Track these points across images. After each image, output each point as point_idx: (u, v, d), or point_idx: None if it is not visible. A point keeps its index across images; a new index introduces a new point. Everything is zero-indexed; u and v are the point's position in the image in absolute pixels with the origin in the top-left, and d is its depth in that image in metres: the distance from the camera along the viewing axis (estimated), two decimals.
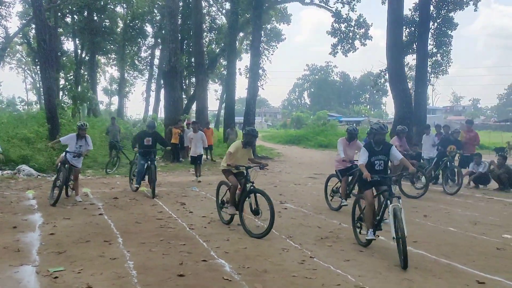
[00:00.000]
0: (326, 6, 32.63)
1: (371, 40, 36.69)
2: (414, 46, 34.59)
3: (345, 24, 35.39)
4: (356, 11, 33.88)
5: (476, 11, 33.63)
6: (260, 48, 25.18)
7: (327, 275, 5.33)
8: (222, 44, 37.95)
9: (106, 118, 33.30)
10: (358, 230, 6.79)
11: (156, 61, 46.83)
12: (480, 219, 8.73)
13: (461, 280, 5.21)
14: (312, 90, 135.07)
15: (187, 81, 40.28)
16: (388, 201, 6.00)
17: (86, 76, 42.41)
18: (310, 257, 6.08)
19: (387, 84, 35.45)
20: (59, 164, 9.83)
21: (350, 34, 35.91)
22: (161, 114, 40.18)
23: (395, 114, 16.26)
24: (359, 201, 6.84)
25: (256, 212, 7.31)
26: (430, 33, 32.13)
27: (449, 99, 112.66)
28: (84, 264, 5.57)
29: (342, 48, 36.26)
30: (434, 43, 32.71)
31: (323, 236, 7.29)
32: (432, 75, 32.48)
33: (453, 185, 11.99)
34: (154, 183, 10.61)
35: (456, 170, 12.05)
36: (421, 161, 14.01)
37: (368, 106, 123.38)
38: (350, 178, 9.46)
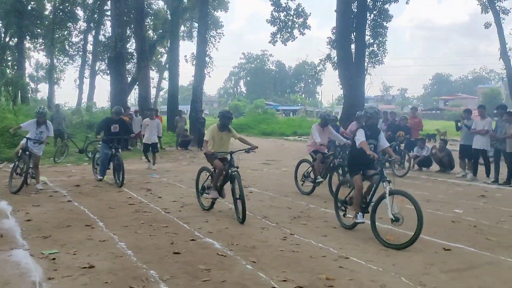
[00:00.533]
0: None
1: (310, 29, 37.43)
2: (352, 36, 35.93)
3: (284, 13, 35.97)
4: (294, 0, 34.41)
5: (408, 3, 35.14)
6: (206, 35, 25.05)
7: (311, 249, 5.76)
8: (160, 31, 37.38)
9: (35, 106, 31.98)
10: (342, 213, 6.95)
11: (89, 47, 45.45)
12: (431, 198, 9.53)
13: (430, 249, 5.82)
14: (248, 78, 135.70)
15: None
16: (384, 184, 6.09)
17: (11, 61, 40.25)
18: (290, 234, 6.48)
19: (323, 73, 36.71)
20: (20, 151, 9.58)
21: (289, 23, 36.45)
22: (100, 102, 39.06)
23: (344, 102, 16.97)
24: (343, 185, 7.23)
25: (240, 197, 7.17)
26: (367, 24, 33.50)
27: (379, 88, 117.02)
28: (76, 246, 5.65)
29: (281, 37, 36.80)
30: (371, 34, 34.10)
31: (295, 215, 7.72)
32: (369, 65, 33.77)
33: (400, 168, 12.87)
34: (123, 172, 10.40)
35: (403, 154, 12.95)
36: None
37: (303, 95, 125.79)
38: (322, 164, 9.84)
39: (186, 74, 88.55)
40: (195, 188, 8.38)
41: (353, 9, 35.43)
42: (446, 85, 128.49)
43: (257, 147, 8.25)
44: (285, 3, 33.40)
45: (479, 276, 4.88)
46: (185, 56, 61.92)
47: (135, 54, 27.65)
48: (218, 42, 39.35)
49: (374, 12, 33.55)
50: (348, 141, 9.45)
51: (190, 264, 5.06)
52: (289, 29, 36.73)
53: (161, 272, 4.77)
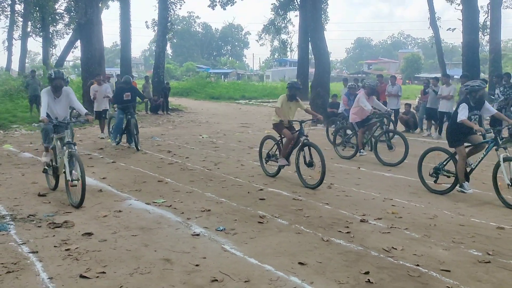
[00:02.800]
0: None
1: None
2: (296, 2, 37.30)
3: None
4: None
5: None
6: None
7: (360, 194, 7.27)
8: None
9: None
10: (432, 180, 7.49)
11: (18, 7, 43.17)
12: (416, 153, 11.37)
13: (453, 193, 7.55)
14: (175, 41, 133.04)
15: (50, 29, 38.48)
16: (498, 151, 6.68)
17: None
18: (331, 183, 7.95)
19: (248, 36, 37.61)
20: None
21: None
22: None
23: (316, 68, 18.22)
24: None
25: (310, 164, 7.65)
26: None
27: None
28: (173, 196, 6.77)
29: (221, 1, 37.41)
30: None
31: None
32: None
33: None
34: (137, 136, 11.24)
35: None
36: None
37: (230, 58, 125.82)
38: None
39: (108, 36, 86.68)
40: (259, 155, 8.91)
41: None
42: (367, 49, 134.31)
43: (322, 117, 9.05)
44: None
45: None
46: (146, 22, 61.00)
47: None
48: (180, 9, 38.97)
49: None
50: (389, 109, 10.72)
51: (281, 206, 6.40)
52: None
53: (268, 212, 6.07)
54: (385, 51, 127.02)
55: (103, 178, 7.93)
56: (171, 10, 26.59)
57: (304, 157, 7.75)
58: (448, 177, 7.34)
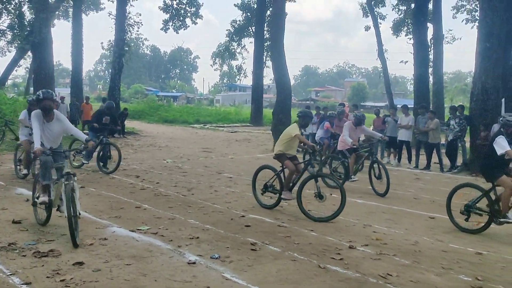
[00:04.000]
0: None
1: (202, 19, 38.60)
2: (251, 30, 37.95)
3: (177, 1, 36.64)
4: None
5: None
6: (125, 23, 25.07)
7: (341, 219, 7.42)
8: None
9: None
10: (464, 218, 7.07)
11: None
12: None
13: (419, 218, 7.85)
14: (128, 64, 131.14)
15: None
16: None
17: None
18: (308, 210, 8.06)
19: (198, 60, 38.11)
20: None
21: (182, 11, 37.18)
22: None
23: (278, 93, 18.42)
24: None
25: (320, 196, 7.43)
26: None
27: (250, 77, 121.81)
28: (157, 223, 6.64)
29: (174, 24, 37.49)
30: (268, 28, 36.35)
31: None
32: (267, 58, 36.12)
33: None
34: (119, 159, 11.06)
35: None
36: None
37: (179, 81, 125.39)
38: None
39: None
40: (252, 186, 8.36)
41: (252, 5, 37.56)
42: (314, 77, 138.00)
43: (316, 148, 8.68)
44: None
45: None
46: (101, 43, 60.20)
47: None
48: (137, 31, 38.70)
49: (271, 8, 35.83)
50: (383, 135, 10.81)
51: (268, 233, 6.42)
52: (181, 17, 37.56)
53: (257, 239, 6.07)
54: (331, 79, 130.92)
55: None
56: (129, 32, 26.25)
57: (318, 190, 7.51)
58: (480, 215, 6.92)
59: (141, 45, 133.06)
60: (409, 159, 14.28)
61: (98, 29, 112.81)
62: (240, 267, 5.03)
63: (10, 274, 4.53)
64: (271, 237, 6.22)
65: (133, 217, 6.98)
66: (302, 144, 8.60)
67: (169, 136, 23.17)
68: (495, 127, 12.33)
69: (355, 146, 10.19)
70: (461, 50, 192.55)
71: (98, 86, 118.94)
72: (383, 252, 5.75)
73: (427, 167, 13.59)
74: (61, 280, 4.41)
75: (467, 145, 13.88)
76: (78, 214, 5.49)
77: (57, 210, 6.02)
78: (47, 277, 4.50)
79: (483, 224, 6.86)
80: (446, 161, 13.69)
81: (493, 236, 6.82)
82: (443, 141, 13.96)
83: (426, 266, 5.32)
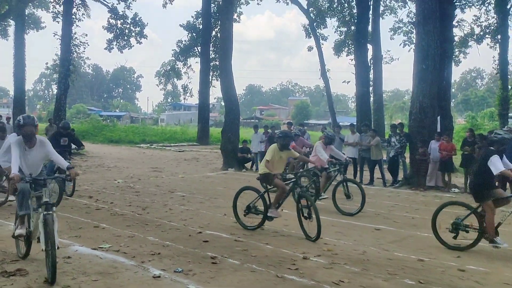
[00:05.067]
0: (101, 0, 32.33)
1: (146, 38, 38.52)
2: (197, 50, 38.31)
3: (121, 21, 36.49)
4: (132, 9, 35.42)
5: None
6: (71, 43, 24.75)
7: (297, 234, 7.83)
8: None
9: None
10: (453, 236, 7.15)
11: None
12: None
13: (366, 230, 8.39)
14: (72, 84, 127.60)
15: None
16: None
17: None
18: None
19: (141, 79, 38.24)
20: None
21: (126, 31, 37.02)
22: None
23: (226, 113, 18.87)
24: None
25: (309, 216, 7.39)
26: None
27: (196, 97, 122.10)
28: (117, 241, 6.79)
29: (118, 44, 37.20)
30: (213, 49, 36.87)
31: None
32: (214, 78, 36.54)
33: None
34: (74, 181, 10.77)
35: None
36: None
37: (122, 101, 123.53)
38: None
39: None
40: (233, 207, 8.24)
41: (197, 25, 37.97)
42: (258, 95, 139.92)
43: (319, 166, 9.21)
44: (122, 11, 33.66)
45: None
46: (47, 63, 58.00)
47: None
48: (84, 51, 37.88)
49: (216, 29, 36.42)
50: (348, 158, 11.32)
51: (226, 247, 6.72)
52: (125, 37, 37.37)
53: (216, 253, 6.35)
54: (274, 98, 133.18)
55: None
56: (74, 52, 25.92)
57: (302, 210, 7.51)
58: (467, 232, 7.02)
59: (82, 64, 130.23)
60: (355, 175, 14.98)
61: (37, 48, 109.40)
62: (203, 279, 5.29)
63: None
64: (229, 251, 6.52)
65: (93, 236, 7.07)
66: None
67: (117, 157, 22.96)
68: (432, 144, 13.28)
69: (326, 166, 10.28)
70: (398, 69, 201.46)
71: (37, 106, 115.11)
72: (335, 262, 6.18)
73: (371, 182, 14.33)
74: None
75: (407, 160, 14.77)
76: (56, 247, 4.98)
77: (38, 242, 5.34)
78: None
79: (471, 242, 6.95)
80: (388, 176, 14.50)
81: (432, 244, 7.41)
82: (384, 157, 14.79)
83: (374, 272, 5.78)
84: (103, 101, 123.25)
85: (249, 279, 5.36)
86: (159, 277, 5.30)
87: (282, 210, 8.33)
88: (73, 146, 11.79)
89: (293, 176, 8.04)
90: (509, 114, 30.84)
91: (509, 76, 30.14)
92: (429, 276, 5.70)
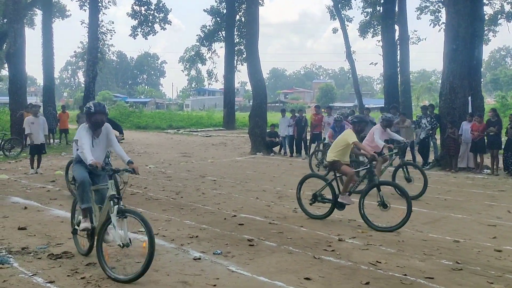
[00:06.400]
0: None
1: (171, 24, 38.66)
2: (221, 34, 38.31)
3: (145, 7, 36.65)
4: None
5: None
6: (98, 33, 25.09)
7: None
8: None
9: None
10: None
11: None
12: None
13: (398, 212, 8.40)
14: (100, 72, 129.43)
15: None
16: None
17: None
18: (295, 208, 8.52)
19: (165, 65, 38.20)
20: None
21: (150, 17, 37.19)
22: None
23: (254, 99, 19.01)
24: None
25: (384, 205, 7.12)
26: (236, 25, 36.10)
27: (221, 81, 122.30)
28: (157, 224, 6.99)
29: (142, 30, 37.44)
30: (238, 33, 36.84)
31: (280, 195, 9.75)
32: (238, 63, 36.58)
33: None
34: None
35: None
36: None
37: (147, 87, 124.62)
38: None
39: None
40: (297, 196, 7.98)
41: (221, 10, 37.90)
42: (282, 79, 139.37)
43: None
44: None
45: None
46: (75, 51, 59.28)
47: None
48: (111, 39, 38.35)
49: (240, 13, 36.34)
50: (407, 141, 10.55)
51: (262, 230, 6.85)
52: (150, 23, 37.56)
53: (253, 236, 6.49)
54: (299, 81, 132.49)
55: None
56: (101, 40, 26.26)
57: (382, 198, 7.19)
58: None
59: (107, 51, 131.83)
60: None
61: (62, 36, 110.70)
62: (242, 260, 5.43)
63: (32, 275, 4.81)
64: (265, 234, 6.64)
65: (131, 221, 7.26)
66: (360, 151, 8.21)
67: (145, 142, 23.32)
68: (464, 125, 13.11)
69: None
70: (424, 49, 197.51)
71: (64, 93, 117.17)
72: (370, 243, 6.26)
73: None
74: (81, 278, 4.75)
75: (438, 142, 14.62)
76: (127, 244, 4.83)
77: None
78: (68, 275, 4.82)
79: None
80: (419, 158, 14.40)
81: (466, 226, 7.40)
82: (414, 139, 14.67)
83: (410, 253, 5.84)
84: (128, 87, 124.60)
85: (287, 260, 5.47)
86: (199, 259, 5.46)
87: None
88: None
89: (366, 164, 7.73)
90: None
91: None
92: (466, 257, 5.72)
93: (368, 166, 7.62)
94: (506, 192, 10.36)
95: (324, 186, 7.63)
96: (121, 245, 4.82)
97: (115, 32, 27.82)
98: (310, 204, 7.76)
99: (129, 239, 4.81)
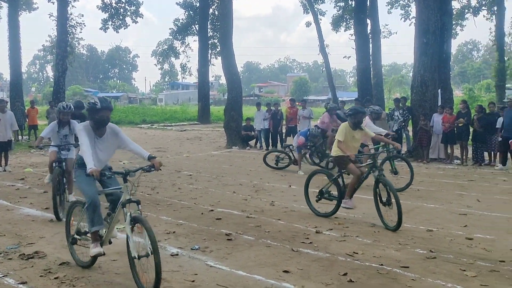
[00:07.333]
0: None
1: (142, 18, 38.10)
2: (194, 28, 37.99)
3: (116, 0, 36.09)
4: None
5: None
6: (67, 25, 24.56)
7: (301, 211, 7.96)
8: None
9: None
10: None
11: None
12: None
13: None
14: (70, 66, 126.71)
15: None
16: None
17: None
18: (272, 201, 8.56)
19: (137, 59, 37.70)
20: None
21: (121, 10, 36.62)
22: None
23: (228, 93, 18.95)
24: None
25: (388, 202, 6.66)
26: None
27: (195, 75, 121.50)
28: None
29: (113, 24, 36.85)
30: (211, 26, 36.59)
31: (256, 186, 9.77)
32: (213, 56, 36.39)
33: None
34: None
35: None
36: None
37: (119, 81, 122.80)
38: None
39: None
40: (304, 193, 7.74)
41: (195, 4, 37.53)
42: (256, 72, 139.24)
43: (399, 146, 8.14)
44: None
45: None
46: (43, 45, 57.28)
47: None
48: (80, 32, 37.62)
49: (213, 6, 36.07)
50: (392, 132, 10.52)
51: (239, 224, 6.86)
52: (121, 16, 36.98)
53: (231, 230, 6.49)
54: (273, 75, 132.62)
55: (46, 209, 7.75)
56: (71, 33, 25.73)
57: (380, 195, 6.85)
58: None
59: (77, 44, 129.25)
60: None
61: (29, 30, 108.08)
62: (221, 255, 5.44)
63: (3, 276, 4.71)
64: (243, 228, 6.66)
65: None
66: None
67: None
68: (435, 116, 13.37)
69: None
70: (395, 43, 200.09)
71: (32, 88, 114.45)
72: (347, 234, 6.34)
73: None
74: (55, 278, 4.67)
75: (410, 134, 14.87)
76: (147, 254, 4.23)
77: (109, 244, 4.95)
78: (41, 276, 4.73)
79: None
80: None
81: (439, 215, 7.56)
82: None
83: (386, 243, 5.94)
84: (99, 82, 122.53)
85: (266, 253, 5.50)
86: (177, 255, 5.43)
87: (290, 186, 8.38)
88: None
89: (370, 159, 7.30)
90: (506, 85, 30.94)
91: (505, 48, 30.04)
92: (439, 245, 5.85)
93: (372, 162, 7.12)
94: (475, 182, 10.63)
95: (330, 183, 7.37)
96: (136, 256, 4.28)
97: (85, 25, 27.21)
98: (317, 201, 7.53)
99: (150, 248, 4.17)
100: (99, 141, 4.82)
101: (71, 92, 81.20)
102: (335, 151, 7.32)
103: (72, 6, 26.24)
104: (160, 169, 4.81)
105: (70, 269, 4.94)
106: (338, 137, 7.20)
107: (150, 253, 4.14)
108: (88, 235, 4.87)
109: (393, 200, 6.51)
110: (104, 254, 4.79)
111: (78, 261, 5.04)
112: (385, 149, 9.31)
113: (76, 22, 26.44)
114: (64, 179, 7.64)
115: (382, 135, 8.80)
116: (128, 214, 4.39)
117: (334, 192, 7.37)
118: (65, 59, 23.35)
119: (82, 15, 29.33)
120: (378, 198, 6.86)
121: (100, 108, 4.68)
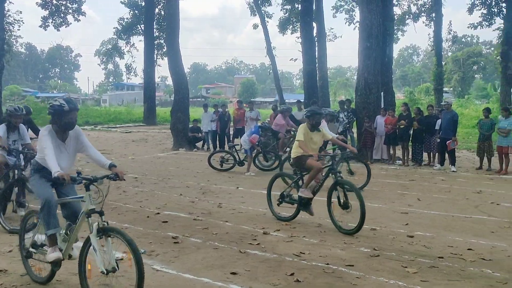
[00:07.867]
0: None
1: (85, 16, 37.13)
2: (140, 28, 37.35)
3: None
4: None
5: None
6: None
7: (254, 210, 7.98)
8: None
9: None
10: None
11: None
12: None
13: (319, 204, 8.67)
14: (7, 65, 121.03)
15: None
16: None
17: None
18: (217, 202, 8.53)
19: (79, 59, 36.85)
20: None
21: (62, 7, 35.58)
22: None
23: (175, 93, 18.73)
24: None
25: (345, 206, 6.61)
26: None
27: (140, 76, 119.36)
28: None
29: (54, 21, 35.71)
30: (158, 26, 36.10)
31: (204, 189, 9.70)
32: (159, 57, 35.87)
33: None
34: None
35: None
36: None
37: (60, 81, 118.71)
38: None
39: None
40: (267, 196, 7.57)
41: (140, 2, 36.89)
42: (203, 74, 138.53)
43: (355, 150, 8.23)
44: None
45: None
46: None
47: None
48: (19, 29, 35.92)
49: (159, 6, 35.60)
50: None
51: (186, 227, 6.79)
52: (62, 14, 35.88)
53: (177, 233, 6.41)
54: (220, 76, 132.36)
55: None
56: (8, 31, 24.62)
57: (338, 197, 6.70)
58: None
59: (14, 42, 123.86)
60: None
61: None
62: (167, 258, 5.36)
63: None
64: (190, 230, 6.59)
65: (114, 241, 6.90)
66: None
67: None
68: (378, 118, 13.77)
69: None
70: (340, 46, 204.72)
71: None
72: (294, 235, 6.40)
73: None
74: None
75: (355, 135, 15.24)
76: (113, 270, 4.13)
77: (69, 259, 4.55)
78: None
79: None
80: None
81: (382, 214, 7.79)
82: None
83: (332, 243, 6.05)
84: (39, 81, 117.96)
85: (213, 256, 5.47)
86: (121, 259, 5.28)
87: (238, 188, 8.39)
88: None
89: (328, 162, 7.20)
90: (444, 89, 32.40)
91: (443, 53, 31.44)
92: (382, 244, 6.03)
93: (330, 165, 7.03)
94: (416, 181, 11.03)
95: (290, 185, 7.33)
96: (105, 271, 4.05)
97: (23, 23, 26.16)
98: (278, 204, 7.36)
99: (116, 262, 4.06)
100: (63, 146, 4.50)
101: (8, 92, 77.63)
102: (294, 153, 7.16)
103: (10, 2, 25.14)
104: (124, 179, 4.59)
105: (7, 277, 4.75)
106: (298, 137, 7.08)
107: (117, 268, 4.02)
108: (45, 247, 4.54)
109: (353, 202, 6.47)
110: (63, 259, 4.47)
111: (34, 277, 4.68)
112: (339, 150, 9.29)
113: (14, 19, 25.36)
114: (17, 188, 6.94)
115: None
116: (95, 224, 4.12)
117: (295, 195, 7.20)
118: (1, 57, 22.39)
119: (21, 12, 28.12)
120: (337, 201, 6.69)
121: (68, 110, 4.35)
